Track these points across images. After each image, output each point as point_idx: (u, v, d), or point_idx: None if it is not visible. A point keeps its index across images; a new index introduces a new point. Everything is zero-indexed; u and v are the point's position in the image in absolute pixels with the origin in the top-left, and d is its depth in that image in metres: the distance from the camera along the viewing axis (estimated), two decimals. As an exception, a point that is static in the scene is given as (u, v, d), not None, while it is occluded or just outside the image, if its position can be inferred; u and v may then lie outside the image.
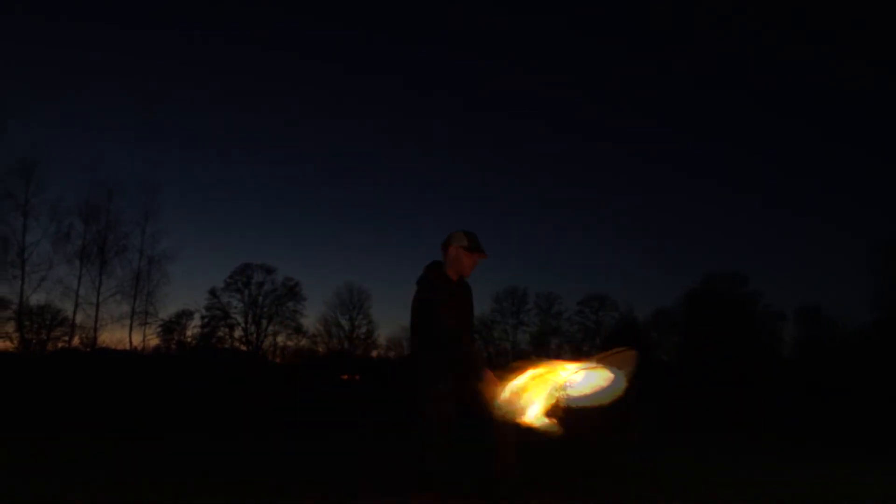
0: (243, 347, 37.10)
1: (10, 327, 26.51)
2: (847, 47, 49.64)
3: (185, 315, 36.38)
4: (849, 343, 29.46)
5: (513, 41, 54.23)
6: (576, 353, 40.56)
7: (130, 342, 29.33)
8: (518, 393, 3.11)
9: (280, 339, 38.76)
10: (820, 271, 52.51)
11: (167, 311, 34.42)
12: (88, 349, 27.59)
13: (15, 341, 26.60)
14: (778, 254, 52.26)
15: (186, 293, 55.57)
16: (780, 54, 49.56)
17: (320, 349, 38.62)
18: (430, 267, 3.52)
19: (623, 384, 3.08)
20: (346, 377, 32.60)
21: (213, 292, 37.50)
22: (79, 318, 28.00)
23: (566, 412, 3.14)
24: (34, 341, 28.42)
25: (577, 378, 3.09)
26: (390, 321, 68.41)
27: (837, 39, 50.00)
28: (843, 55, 50.12)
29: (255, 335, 37.95)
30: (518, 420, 3.12)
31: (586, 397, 3.11)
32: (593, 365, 3.09)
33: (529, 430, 3.10)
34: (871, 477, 5.19)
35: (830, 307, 44.25)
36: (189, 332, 37.03)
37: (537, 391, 3.12)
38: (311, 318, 50.61)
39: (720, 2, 51.76)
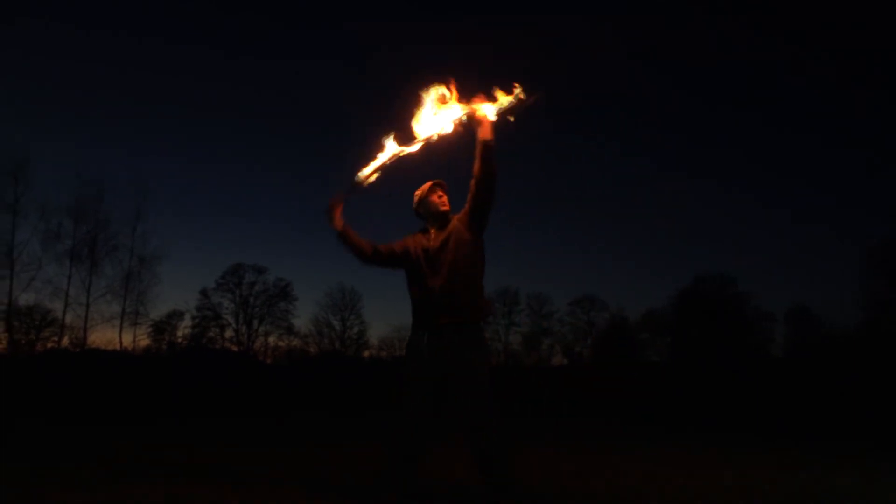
0: (234, 348, 36.95)
1: (-1, 327, 26.30)
2: (845, 48, 49.99)
3: (175, 315, 36.28)
4: (838, 343, 29.67)
5: (515, 40, 54.22)
6: (567, 354, 40.72)
7: (121, 342, 29.16)
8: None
9: (271, 339, 38.74)
10: (810, 272, 52.84)
11: (158, 311, 34.38)
12: (78, 349, 27.37)
13: (3, 342, 26.38)
14: (768, 255, 52.64)
15: (177, 293, 55.21)
16: (772, 58, 49.84)
17: (312, 349, 38.58)
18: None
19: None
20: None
21: (204, 293, 37.41)
22: (68, 319, 27.77)
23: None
24: (23, 342, 28.18)
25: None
26: (382, 322, 68.53)
27: (837, 39, 50.29)
28: (839, 57, 50.45)
29: (246, 335, 37.85)
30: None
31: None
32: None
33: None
34: (863, 476, 5.24)
35: (820, 308, 44.66)
36: (180, 333, 36.94)
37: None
38: (302, 319, 50.41)
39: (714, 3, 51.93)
